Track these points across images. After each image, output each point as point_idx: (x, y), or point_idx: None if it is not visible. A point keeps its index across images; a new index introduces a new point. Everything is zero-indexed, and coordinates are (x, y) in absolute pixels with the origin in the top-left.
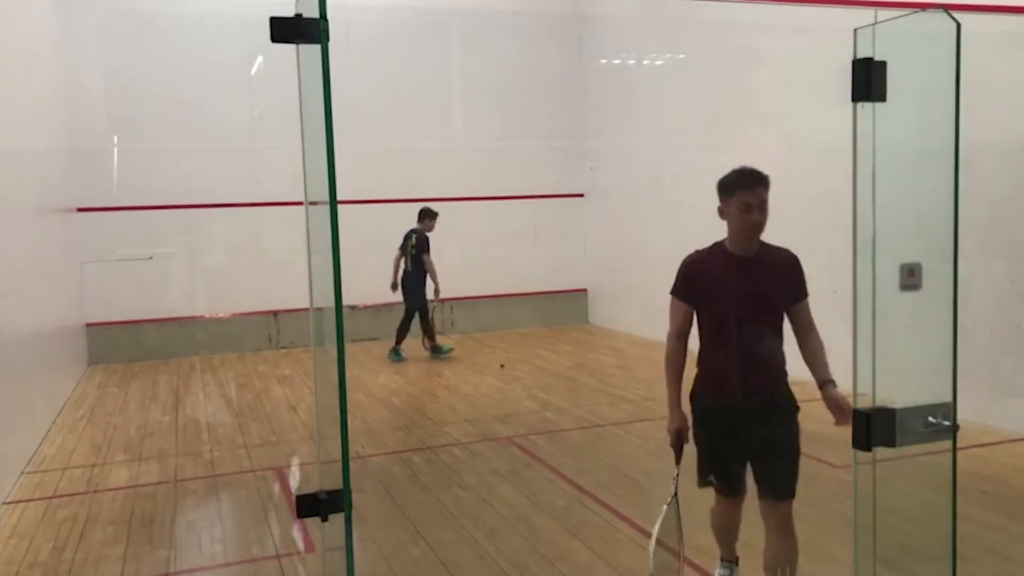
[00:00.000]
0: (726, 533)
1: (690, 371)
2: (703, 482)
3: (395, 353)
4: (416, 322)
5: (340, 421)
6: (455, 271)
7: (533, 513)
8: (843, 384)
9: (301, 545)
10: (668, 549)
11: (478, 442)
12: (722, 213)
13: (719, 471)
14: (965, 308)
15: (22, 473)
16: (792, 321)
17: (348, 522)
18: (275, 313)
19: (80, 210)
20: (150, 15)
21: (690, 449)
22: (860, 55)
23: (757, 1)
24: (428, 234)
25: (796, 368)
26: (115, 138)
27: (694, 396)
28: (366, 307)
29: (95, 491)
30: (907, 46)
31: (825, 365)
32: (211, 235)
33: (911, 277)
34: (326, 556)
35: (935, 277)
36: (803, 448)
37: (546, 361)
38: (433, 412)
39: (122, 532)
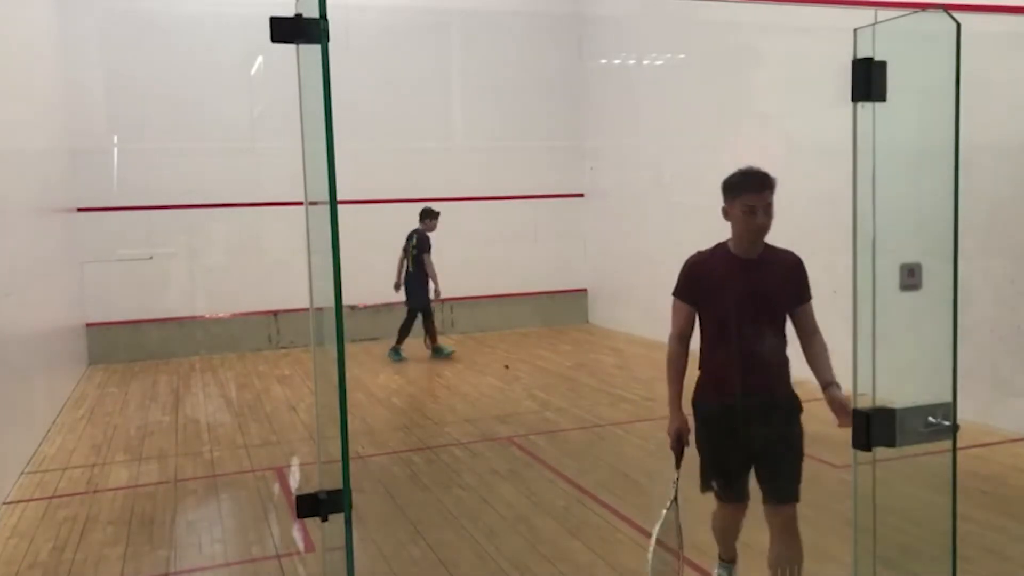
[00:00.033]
0: (727, 536)
1: (691, 374)
2: (706, 488)
3: (395, 353)
4: (418, 323)
5: (340, 421)
6: (455, 271)
7: (533, 513)
8: (843, 384)
9: (301, 545)
10: (668, 549)
11: (478, 442)
12: (726, 214)
13: (722, 476)
14: (965, 308)
15: (22, 473)
16: (796, 324)
17: (348, 522)
18: (275, 313)
19: (80, 210)
20: (150, 15)
21: (691, 454)
22: (860, 55)
23: (757, 1)
24: (430, 234)
25: (798, 369)
26: (115, 138)
27: (696, 400)
28: (366, 307)
29: (95, 491)
30: (907, 46)
31: (829, 368)
32: (211, 235)
33: (911, 277)
34: (326, 556)
35: (935, 277)
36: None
37: (546, 361)
38: (433, 412)
39: (122, 532)
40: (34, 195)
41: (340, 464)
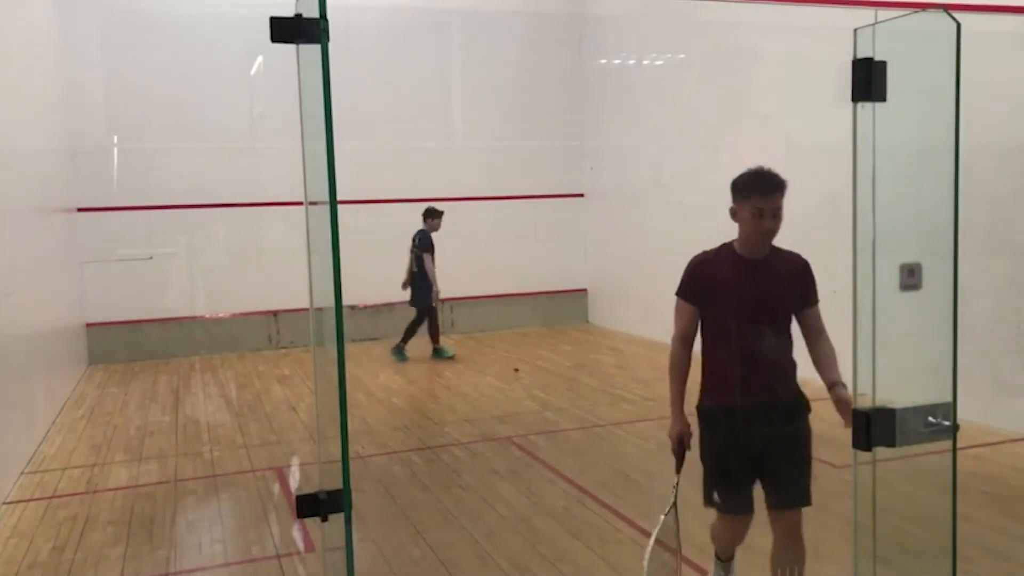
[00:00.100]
0: (727, 547)
1: (694, 376)
2: (708, 503)
3: (398, 351)
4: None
5: (340, 421)
6: (455, 271)
7: (533, 513)
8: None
9: (301, 545)
10: (666, 548)
11: (478, 442)
12: (734, 214)
13: (726, 484)
14: (965, 308)
15: (22, 473)
16: (802, 326)
17: (348, 522)
18: (275, 313)
19: (80, 210)
20: (150, 15)
21: (692, 457)
22: (860, 55)
23: (757, 1)
24: (433, 233)
25: (803, 369)
26: (115, 138)
27: (700, 405)
28: (366, 307)
29: (95, 491)
30: (907, 46)
31: (836, 371)
32: (211, 235)
33: (911, 277)
34: (326, 556)
35: (935, 277)
36: None
37: (546, 361)
38: (433, 412)
39: (122, 532)
40: (34, 195)
41: (340, 464)
